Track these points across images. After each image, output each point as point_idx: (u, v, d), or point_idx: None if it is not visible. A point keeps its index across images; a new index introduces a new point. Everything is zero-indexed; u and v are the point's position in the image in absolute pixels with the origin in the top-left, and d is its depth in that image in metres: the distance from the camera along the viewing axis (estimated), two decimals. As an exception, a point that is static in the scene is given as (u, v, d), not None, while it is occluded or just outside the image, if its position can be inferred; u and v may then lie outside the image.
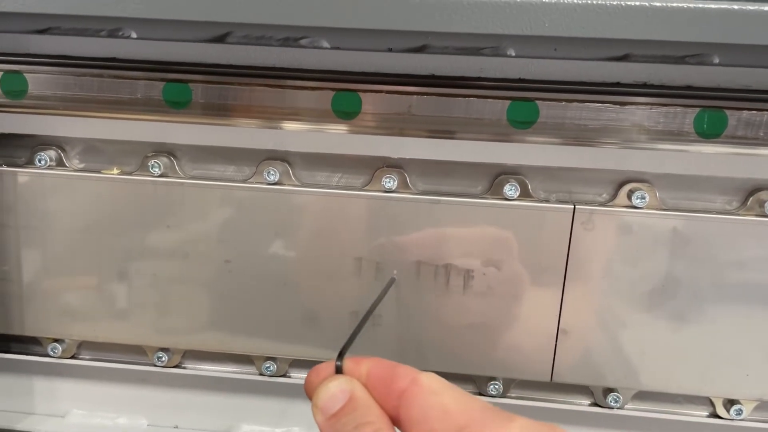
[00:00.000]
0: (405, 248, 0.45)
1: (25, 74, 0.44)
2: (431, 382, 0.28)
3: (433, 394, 0.28)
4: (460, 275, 0.45)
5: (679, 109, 0.41)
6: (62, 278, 0.49)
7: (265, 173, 0.46)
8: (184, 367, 0.51)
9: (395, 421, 0.29)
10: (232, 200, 0.46)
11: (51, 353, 0.51)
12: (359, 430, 0.28)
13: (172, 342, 0.49)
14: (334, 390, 0.29)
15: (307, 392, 0.31)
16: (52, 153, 0.47)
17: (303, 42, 0.45)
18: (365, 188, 0.46)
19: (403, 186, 0.46)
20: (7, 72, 0.44)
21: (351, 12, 0.40)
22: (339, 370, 0.30)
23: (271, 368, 0.50)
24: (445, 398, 0.28)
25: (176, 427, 0.52)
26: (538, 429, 0.26)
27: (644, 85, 0.42)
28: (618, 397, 0.47)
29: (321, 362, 0.32)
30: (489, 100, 0.42)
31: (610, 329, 0.46)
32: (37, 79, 0.45)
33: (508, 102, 0.42)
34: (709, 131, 0.41)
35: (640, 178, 0.44)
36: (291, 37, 0.45)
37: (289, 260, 0.47)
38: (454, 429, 0.27)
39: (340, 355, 0.31)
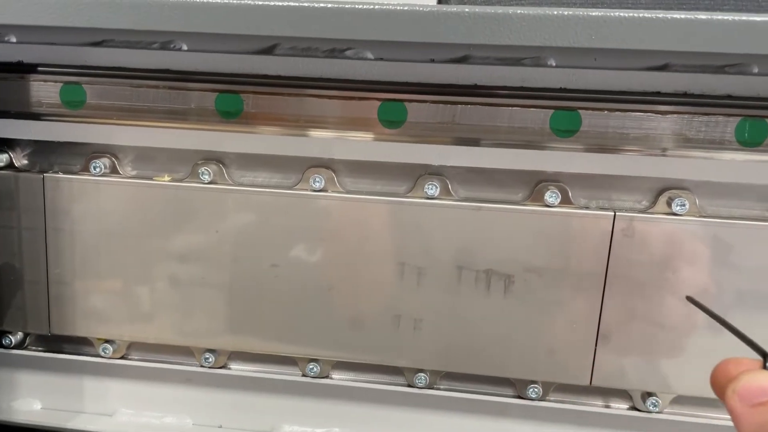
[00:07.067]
0: (446, 253, 0.46)
1: (83, 85, 0.46)
2: None
3: None
4: (501, 280, 0.46)
5: (720, 118, 0.42)
6: (114, 281, 0.50)
7: (311, 180, 0.48)
8: (230, 368, 0.52)
9: None
10: (279, 206, 0.48)
11: (102, 353, 0.53)
12: None
13: (219, 343, 0.51)
14: (766, 382, 0.28)
15: (717, 378, 0.30)
16: (106, 161, 0.49)
17: (348, 53, 0.47)
18: (408, 195, 0.47)
19: (445, 193, 0.47)
20: (66, 83, 0.46)
21: (393, 25, 0.41)
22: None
23: (315, 370, 0.51)
24: None
25: (221, 426, 0.54)
26: None
27: (684, 95, 0.43)
28: (657, 401, 0.48)
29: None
30: (532, 109, 0.43)
31: (649, 335, 0.46)
32: (95, 90, 0.46)
33: (551, 111, 0.43)
34: (751, 140, 0.42)
35: (679, 186, 0.45)
36: (336, 49, 0.46)
37: (334, 265, 0.48)
38: None
39: (765, 356, 0.29)
